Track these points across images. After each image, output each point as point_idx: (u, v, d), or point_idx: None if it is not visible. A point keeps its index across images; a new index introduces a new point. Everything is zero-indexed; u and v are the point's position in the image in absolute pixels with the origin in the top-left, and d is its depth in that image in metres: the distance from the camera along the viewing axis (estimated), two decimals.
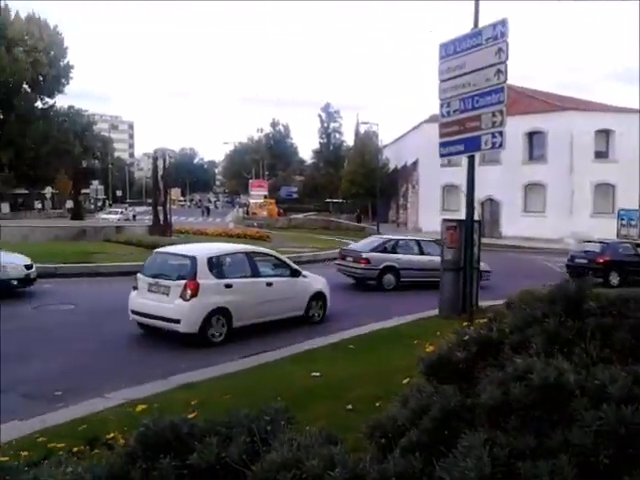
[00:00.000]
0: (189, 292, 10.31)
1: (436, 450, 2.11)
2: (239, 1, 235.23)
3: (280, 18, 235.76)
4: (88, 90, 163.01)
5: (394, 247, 19.18)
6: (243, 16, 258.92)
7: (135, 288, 11.19)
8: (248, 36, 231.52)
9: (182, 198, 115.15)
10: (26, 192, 71.01)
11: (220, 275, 10.94)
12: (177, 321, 10.32)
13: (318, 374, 8.13)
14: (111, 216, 52.15)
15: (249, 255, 11.92)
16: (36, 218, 52.84)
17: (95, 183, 68.52)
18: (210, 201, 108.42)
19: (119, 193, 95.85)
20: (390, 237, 20.99)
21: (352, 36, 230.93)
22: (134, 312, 11.04)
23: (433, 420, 2.26)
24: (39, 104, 65.32)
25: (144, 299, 10.83)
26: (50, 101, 67.03)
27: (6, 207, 63.50)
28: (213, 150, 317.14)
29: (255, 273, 11.63)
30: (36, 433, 5.70)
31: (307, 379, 7.94)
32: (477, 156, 14.18)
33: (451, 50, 12.79)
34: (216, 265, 11.02)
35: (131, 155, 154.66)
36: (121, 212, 58.97)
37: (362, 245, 20.12)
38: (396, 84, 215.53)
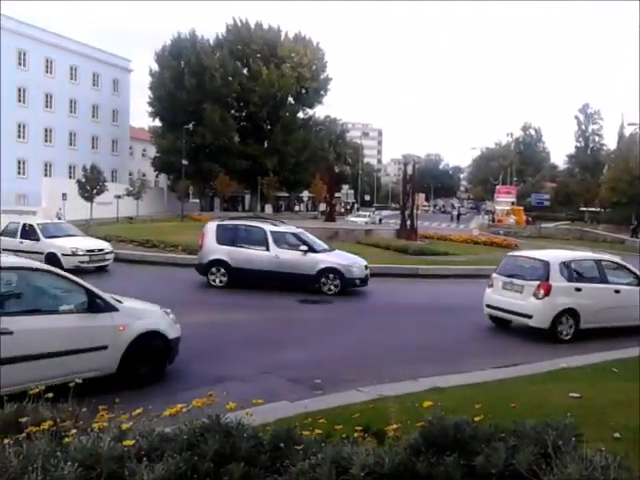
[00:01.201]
0: (542, 292, 11.50)
1: None
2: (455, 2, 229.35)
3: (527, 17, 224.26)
4: (342, 99, 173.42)
5: None
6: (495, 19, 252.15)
7: (490, 286, 12.57)
8: (496, 36, 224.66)
9: (426, 203, 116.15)
10: (287, 195, 78.33)
11: (570, 279, 11.84)
12: (529, 316, 11.60)
13: (577, 395, 7.56)
14: (359, 219, 54.74)
15: (598, 262, 12.53)
16: (294, 219, 57.75)
17: (345, 187, 72.57)
18: (454, 207, 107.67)
19: (367, 197, 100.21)
20: None
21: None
22: (489, 306, 12.49)
23: None
24: (301, 115, 71.59)
25: (499, 296, 12.23)
26: (310, 112, 73.17)
27: (269, 208, 70.79)
28: (458, 156, 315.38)
29: (603, 280, 12.13)
30: (307, 415, 6.20)
31: (564, 399, 7.42)
32: None
33: None
34: (567, 269, 11.95)
35: (379, 161, 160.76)
36: (368, 215, 61.57)
37: None
38: None
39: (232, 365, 8.74)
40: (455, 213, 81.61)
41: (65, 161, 59.02)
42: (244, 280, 16.10)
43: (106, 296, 7.62)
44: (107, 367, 7.37)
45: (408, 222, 33.46)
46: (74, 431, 2.96)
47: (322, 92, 70.65)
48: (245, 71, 66.26)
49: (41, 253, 17.55)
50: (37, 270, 7.57)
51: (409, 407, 5.71)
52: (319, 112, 78.49)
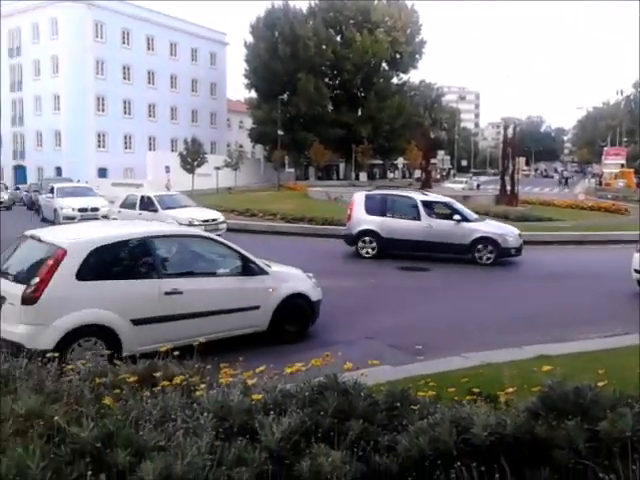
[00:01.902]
0: None
1: None
2: None
3: None
4: (437, 62, 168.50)
5: None
6: None
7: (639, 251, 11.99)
8: None
9: (526, 168, 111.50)
10: (381, 162, 77.71)
11: None
12: None
13: None
14: (456, 185, 53.61)
15: None
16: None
17: (441, 153, 71.03)
18: (557, 171, 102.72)
19: (464, 163, 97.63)
20: None
21: None
22: (638, 271, 11.80)
23: None
24: (395, 80, 70.35)
25: None
26: (405, 77, 71.73)
27: (364, 176, 70.59)
28: (562, 117, 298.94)
29: None
30: (413, 379, 6.28)
31: None
32: None
33: None
34: None
35: (476, 125, 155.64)
36: (466, 182, 60.11)
37: None
38: None
39: (338, 330, 8.96)
40: (562, 177, 77.81)
41: (167, 135, 61.55)
42: (395, 250, 16.13)
43: (258, 261, 8.23)
44: (259, 325, 8.06)
45: (508, 187, 32.39)
46: (202, 386, 3.19)
47: (417, 56, 68.99)
48: (338, 38, 65.77)
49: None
50: (200, 237, 8.43)
51: (520, 373, 5.65)
52: (414, 77, 77.06)
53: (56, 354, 4.21)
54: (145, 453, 2.21)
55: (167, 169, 45.99)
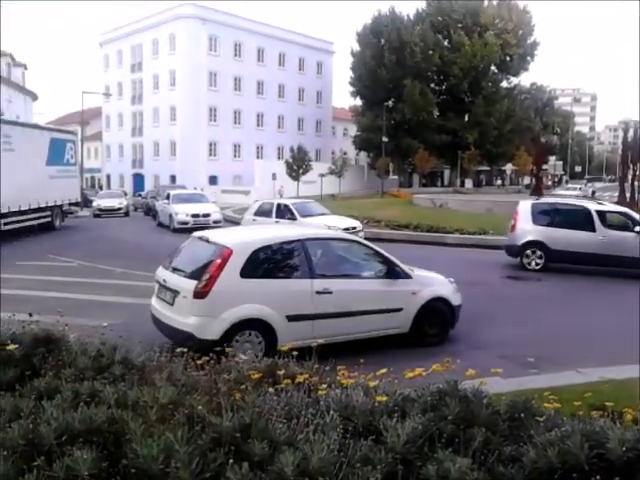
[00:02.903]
0: None
1: None
2: None
3: None
4: (550, 64, 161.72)
5: None
6: None
7: None
8: None
9: None
10: (487, 169, 75.65)
11: None
12: None
13: None
14: (569, 192, 51.05)
15: None
16: (496, 193, 55.76)
17: (553, 159, 68.07)
18: None
19: (577, 169, 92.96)
20: None
21: None
22: None
23: None
24: (504, 84, 68.33)
25: None
26: (515, 80, 69.50)
27: (469, 183, 69.04)
28: None
29: None
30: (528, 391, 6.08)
31: None
32: None
33: None
34: None
35: (591, 129, 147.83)
36: (579, 188, 57.16)
37: None
38: None
39: (443, 340, 8.83)
40: None
41: (274, 143, 63.37)
42: (565, 263, 15.40)
43: (401, 265, 8.50)
44: (401, 327, 8.32)
45: (627, 194, 30.47)
46: (324, 386, 3.27)
47: (528, 58, 66.72)
48: (446, 43, 64.92)
49: None
50: (349, 240, 8.83)
51: None
52: (524, 80, 74.29)
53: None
54: (277, 447, 2.31)
55: (274, 176, 47.33)
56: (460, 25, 63.78)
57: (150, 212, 33.95)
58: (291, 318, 7.29)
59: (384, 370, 3.34)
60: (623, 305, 11.56)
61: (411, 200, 37.18)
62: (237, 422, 2.32)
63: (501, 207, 29.66)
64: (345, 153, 71.35)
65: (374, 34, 61.84)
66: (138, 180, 62.28)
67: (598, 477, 2.19)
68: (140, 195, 44.43)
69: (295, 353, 4.00)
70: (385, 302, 8.10)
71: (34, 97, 56.06)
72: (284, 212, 19.62)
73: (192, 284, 7.06)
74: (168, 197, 27.33)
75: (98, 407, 2.61)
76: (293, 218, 19.05)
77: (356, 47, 63.28)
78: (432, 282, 8.87)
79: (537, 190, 39.76)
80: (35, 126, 29.40)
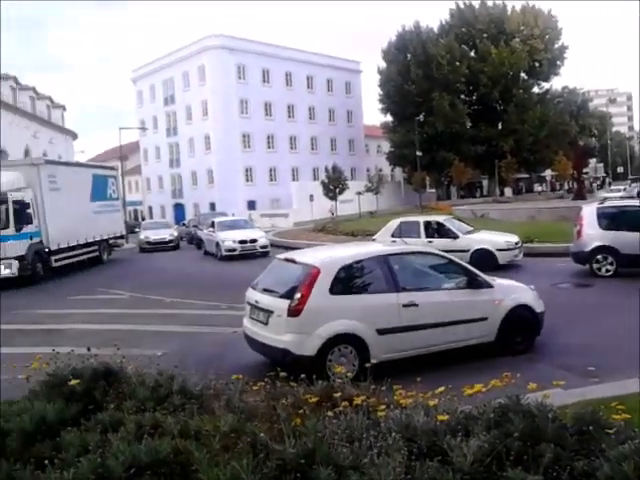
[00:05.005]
0: None
1: None
2: None
3: None
4: (582, 66, 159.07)
5: None
6: None
7: None
8: None
9: None
10: (526, 176, 74.49)
11: None
12: None
13: None
14: (613, 194, 49.82)
15: None
16: (536, 200, 54.75)
17: (593, 161, 66.63)
18: None
19: (620, 170, 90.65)
20: None
21: None
22: None
23: None
24: (535, 90, 67.44)
25: None
26: (546, 85, 68.54)
27: (509, 191, 68.06)
28: None
29: None
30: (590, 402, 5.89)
31: None
32: None
33: None
34: None
35: (630, 128, 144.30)
36: (623, 189, 55.68)
37: None
38: None
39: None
40: None
41: (309, 165, 63.77)
42: (636, 267, 14.69)
43: (483, 275, 8.63)
44: (487, 336, 8.33)
45: None
46: (382, 407, 3.23)
47: (558, 62, 65.72)
48: (472, 53, 64.56)
49: (464, 251, 16.24)
50: (428, 254, 9.08)
51: None
52: (556, 84, 73.01)
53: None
54: (342, 471, 2.29)
55: (311, 198, 47.53)
56: (485, 35, 63.36)
57: (193, 241, 33.67)
58: (381, 331, 7.50)
59: (442, 388, 3.28)
60: None
61: (451, 212, 36.76)
62: (300, 448, 2.31)
63: (544, 214, 29.04)
64: (380, 170, 71.26)
65: (399, 50, 61.95)
66: (179, 210, 63.34)
67: None
68: (184, 224, 43.45)
69: (349, 375, 3.97)
70: (470, 312, 8.18)
71: (74, 136, 57.94)
72: (436, 231, 17.87)
73: (285, 303, 7.40)
74: (213, 225, 27.08)
75: (162, 438, 2.63)
76: (453, 237, 17.21)
77: (382, 64, 63.54)
78: (514, 290, 8.92)
79: (579, 194, 38.89)
80: (77, 164, 30.33)
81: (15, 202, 20.12)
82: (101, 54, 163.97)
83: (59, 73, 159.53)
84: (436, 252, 9.17)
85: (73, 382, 3.48)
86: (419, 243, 15.96)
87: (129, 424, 2.96)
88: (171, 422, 2.85)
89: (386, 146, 68.77)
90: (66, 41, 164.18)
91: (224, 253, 24.58)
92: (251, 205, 57.20)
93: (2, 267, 19.76)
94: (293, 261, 8.34)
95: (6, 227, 19.88)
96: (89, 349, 4.04)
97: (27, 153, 39.97)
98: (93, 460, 2.41)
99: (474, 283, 8.42)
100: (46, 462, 2.60)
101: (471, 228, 18.77)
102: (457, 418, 2.92)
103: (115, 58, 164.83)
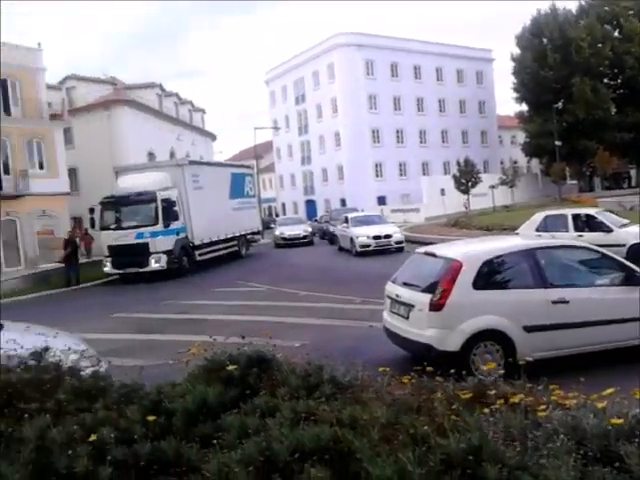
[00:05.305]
0: None
1: None
2: None
3: None
4: None
5: None
6: None
7: None
8: None
9: None
10: None
11: None
12: None
13: None
14: None
15: None
16: None
17: None
18: None
19: None
20: None
21: None
22: None
23: None
24: None
25: None
26: None
27: None
28: None
29: None
30: None
31: None
32: None
33: None
34: None
35: None
36: None
37: None
38: None
39: None
40: None
41: (439, 159, 62.63)
42: None
43: None
44: None
45: None
46: (542, 407, 3.06)
47: None
48: (616, 33, 59.84)
49: (619, 245, 15.02)
50: (581, 248, 8.59)
51: None
52: None
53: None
54: (510, 471, 2.19)
55: (442, 192, 46.67)
56: (631, 12, 58.43)
57: (325, 236, 34.24)
58: (529, 329, 7.16)
59: (611, 390, 3.04)
60: None
61: (596, 205, 34.40)
62: (466, 444, 2.23)
63: None
64: (515, 162, 68.39)
65: (534, 35, 58.85)
66: (310, 206, 64.90)
67: None
68: (316, 220, 44.21)
69: (502, 372, 3.82)
70: (627, 311, 7.47)
71: (213, 138, 61.19)
72: (586, 224, 16.83)
73: (427, 297, 7.26)
74: (346, 220, 27.26)
75: (320, 425, 2.67)
76: (606, 230, 16.09)
77: (516, 51, 60.76)
78: None
79: None
80: (217, 164, 32.01)
81: (163, 200, 21.69)
82: (235, 58, 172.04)
83: (198, 78, 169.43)
84: (587, 246, 8.58)
85: (230, 367, 3.64)
86: (567, 237, 14.94)
87: (285, 410, 3.04)
88: (326, 410, 2.89)
89: (521, 137, 65.80)
90: (203, 47, 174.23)
91: (358, 249, 24.72)
92: (381, 200, 57.22)
93: (152, 261, 21.43)
94: (433, 255, 8.10)
95: (155, 224, 21.49)
96: (243, 337, 4.22)
97: (172, 155, 42.84)
98: (259, 442, 2.50)
99: (633, 279, 7.71)
100: (214, 442, 2.74)
101: (626, 221, 17.30)
102: (630, 423, 2.69)
103: (248, 61, 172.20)
